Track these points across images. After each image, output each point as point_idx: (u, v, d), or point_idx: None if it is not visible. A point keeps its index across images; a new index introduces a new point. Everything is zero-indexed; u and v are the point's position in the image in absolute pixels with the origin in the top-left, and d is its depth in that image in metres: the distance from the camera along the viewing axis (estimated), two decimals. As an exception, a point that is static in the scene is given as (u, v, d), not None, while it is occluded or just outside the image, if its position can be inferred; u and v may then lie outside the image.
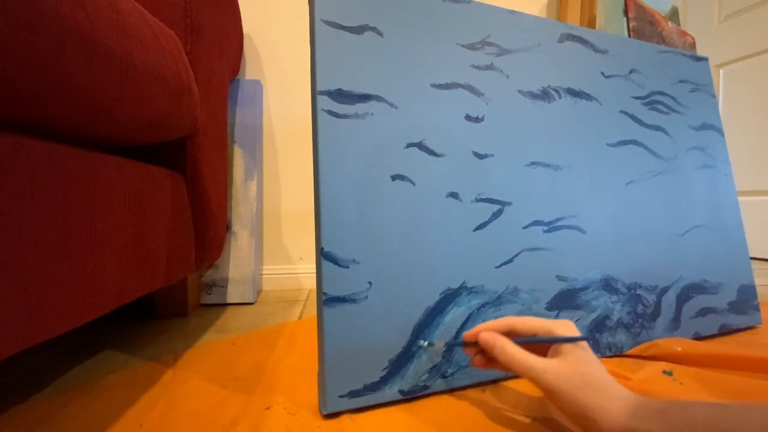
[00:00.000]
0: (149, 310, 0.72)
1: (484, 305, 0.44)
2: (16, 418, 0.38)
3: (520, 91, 0.49)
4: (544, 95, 0.51)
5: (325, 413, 0.36)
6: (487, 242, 0.45)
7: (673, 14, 1.18)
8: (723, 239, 0.61)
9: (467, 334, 0.37)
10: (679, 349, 0.48)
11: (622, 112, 0.56)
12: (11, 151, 0.27)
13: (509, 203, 0.47)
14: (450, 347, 0.41)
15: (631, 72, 0.58)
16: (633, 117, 0.57)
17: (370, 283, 0.39)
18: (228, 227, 0.83)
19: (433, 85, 0.45)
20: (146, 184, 0.46)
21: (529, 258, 0.47)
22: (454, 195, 0.44)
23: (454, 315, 0.42)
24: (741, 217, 0.64)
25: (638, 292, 0.53)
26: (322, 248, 0.38)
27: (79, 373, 0.48)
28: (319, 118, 0.39)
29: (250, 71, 0.95)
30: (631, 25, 0.98)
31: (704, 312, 0.57)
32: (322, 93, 0.40)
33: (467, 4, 0.48)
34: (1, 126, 0.28)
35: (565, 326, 0.33)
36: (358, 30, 0.42)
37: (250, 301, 0.81)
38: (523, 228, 0.47)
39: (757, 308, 0.61)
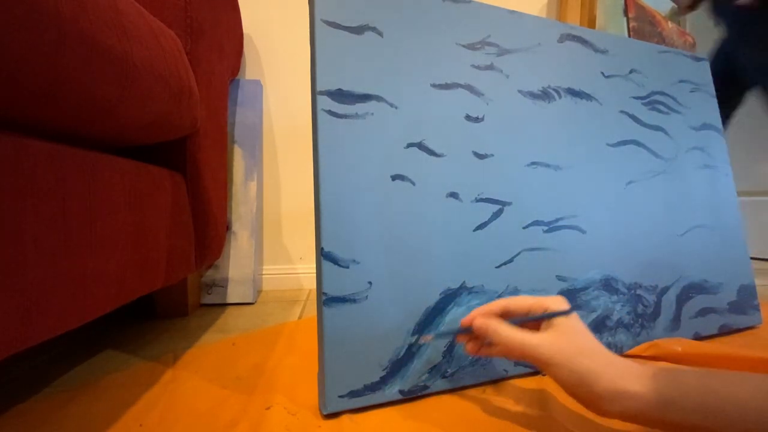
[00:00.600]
0: (149, 310, 0.72)
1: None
2: (16, 418, 0.38)
3: (520, 91, 0.49)
4: (544, 95, 0.51)
5: (325, 413, 0.36)
6: (487, 242, 0.45)
7: (673, 14, 1.18)
8: (723, 239, 0.61)
9: (463, 320, 0.37)
10: (679, 349, 0.48)
11: (622, 112, 0.56)
12: (11, 151, 0.27)
13: (509, 203, 0.47)
14: (441, 338, 0.40)
15: (631, 72, 0.58)
16: (633, 117, 0.57)
17: (370, 283, 0.39)
18: (228, 227, 0.83)
19: (433, 85, 0.45)
20: (146, 184, 0.46)
21: (529, 258, 0.47)
22: (454, 195, 0.44)
23: (454, 315, 0.42)
24: (741, 217, 0.64)
25: (638, 292, 0.53)
26: (322, 248, 0.38)
27: (79, 373, 0.48)
28: (319, 118, 0.39)
29: (250, 71, 0.95)
30: (631, 25, 0.99)
31: (704, 312, 0.57)
32: (322, 93, 0.40)
33: (467, 4, 0.48)
34: (1, 126, 0.28)
35: (557, 301, 0.34)
36: (358, 30, 0.42)
37: (250, 301, 0.81)
38: (523, 228, 0.47)
39: (757, 308, 0.61)
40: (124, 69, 0.36)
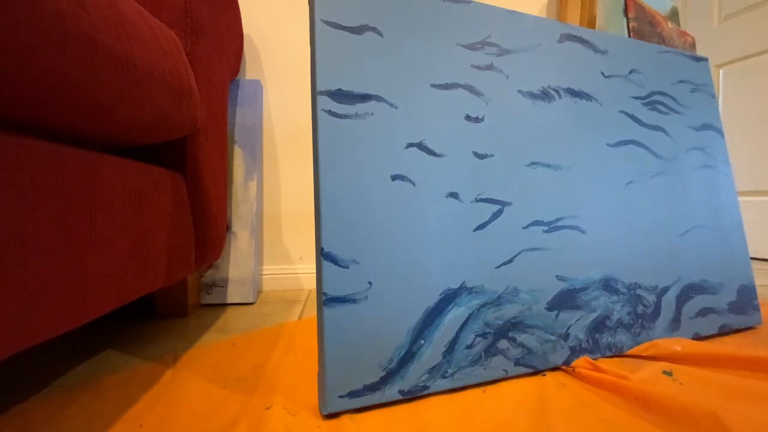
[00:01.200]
0: (149, 310, 0.72)
1: (484, 305, 0.44)
2: (16, 418, 0.38)
3: (520, 91, 0.49)
4: (544, 95, 0.51)
5: (325, 413, 0.36)
6: (487, 242, 0.45)
7: (673, 14, 1.18)
8: (723, 239, 0.61)
9: None
10: (679, 349, 0.48)
11: (622, 112, 0.56)
12: (11, 151, 0.27)
13: (509, 203, 0.47)
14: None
15: (631, 72, 0.58)
16: (633, 117, 0.57)
17: (370, 283, 0.39)
18: (228, 227, 0.83)
19: (433, 85, 0.45)
20: (146, 184, 0.46)
21: (529, 258, 0.47)
22: (454, 195, 0.44)
23: (454, 315, 0.42)
24: (741, 217, 0.64)
25: (638, 292, 0.53)
26: (322, 248, 0.38)
27: (79, 373, 0.48)
28: (319, 118, 0.39)
29: (250, 71, 0.95)
30: (631, 25, 0.99)
31: (704, 312, 0.57)
32: (322, 93, 0.40)
33: (467, 4, 0.48)
34: (1, 126, 0.28)
35: None
36: (358, 30, 0.42)
37: (250, 302, 0.81)
38: (523, 228, 0.47)
39: (757, 308, 0.61)
40: (124, 69, 0.36)
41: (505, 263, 0.45)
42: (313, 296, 0.88)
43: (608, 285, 0.51)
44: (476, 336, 0.43)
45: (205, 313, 0.74)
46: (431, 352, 0.41)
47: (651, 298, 0.53)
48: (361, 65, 0.41)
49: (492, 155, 0.47)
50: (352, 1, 0.42)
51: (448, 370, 0.41)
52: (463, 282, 0.43)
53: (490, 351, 0.43)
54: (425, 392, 0.40)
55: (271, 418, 0.36)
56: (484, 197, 0.45)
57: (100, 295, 0.36)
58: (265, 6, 0.95)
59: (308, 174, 0.96)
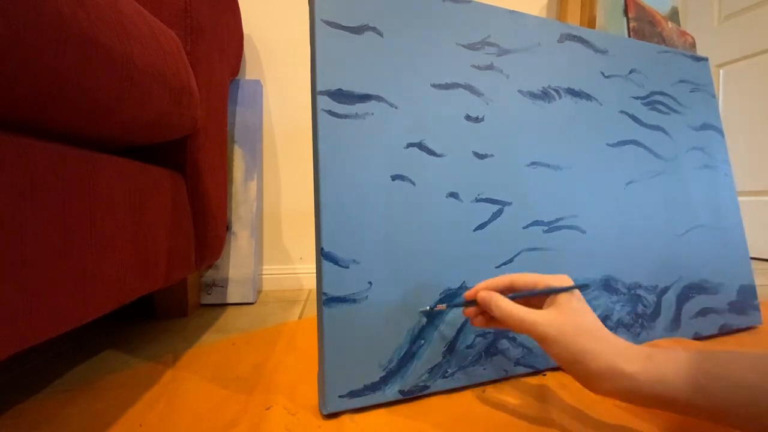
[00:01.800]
0: (149, 310, 0.72)
1: (484, 305, 0.44)
2: (16, 418, 0.38)
3: (520, 91, 0.49)
4: (544, 95, 0.51)
5: (325, 413, 0.36)
6: (487, 242, 0.45)
7: (673, 14, 1.18)
8: (723, 239, 0.61)
9: (467, 293, 0.37)
10: (680, 349, 0.48)
11: (622, 112, 0.56)
12: (11, 151, 0.27)
13: (509, 203, 0.47)
14: (452, 308, 0.40)
15: (631, 72, 0.58)
16: (633, 117, 0.57)
17: (370, 283, 0.39)
18: (228, 227, 0.83)
19: (433, 85, 0.45)
20: (146, 184, 0.46)
21: (529, 258, 0.47)
22: (454, 195, 0.44)
23: (454, 315, 0.42)
24: (741, 217, 0.64)
25: (638, 292, 0.53)
26: (322, 248, 0.38)
27: (79, 373, 0.48)
28: (319, 118, 0.39)
29: (250, 71, 0.95)
30: (631, 25, 0.98)
31: (704, 312, 0.57)
32: (322, 93, 0.40)
33: (467, 4, 0.48)
34: (1, 126, 0.28)
35: (561, 279, 0.35)
36: (358, 30, 0.42)
37: (250, 301, 0.81)
38: (523, 228, 0.47)
39: (757, 308, 0.61)
40: (124, 69, 0.36)
41: (505, 263, 0.45)
42: (313, 296, 0.88)
43: (608, 285, 0.51)
44: (476, 336, 0.43)
45: (205, 313, 0.74)
46: (431, 351, 0.41)
47: (651, 298, 0.53)
48: (361, 65, 0.41)
49: (492, 155, 0.47)
50: (352, 1, 0.42)
51: (448, 370, 0.41)
52: (464, 282, 0.43)
53: (490, 351, 0.43)
54: (425, 392, 0.40)
55: (271, 418, 0.36)
56: (484, 197, 0.45)
57: (100, 295, 0.36)
58: (265, 6, 0.94)
59: (308, 174, 0.96)
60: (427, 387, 0.40)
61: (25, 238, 0.28)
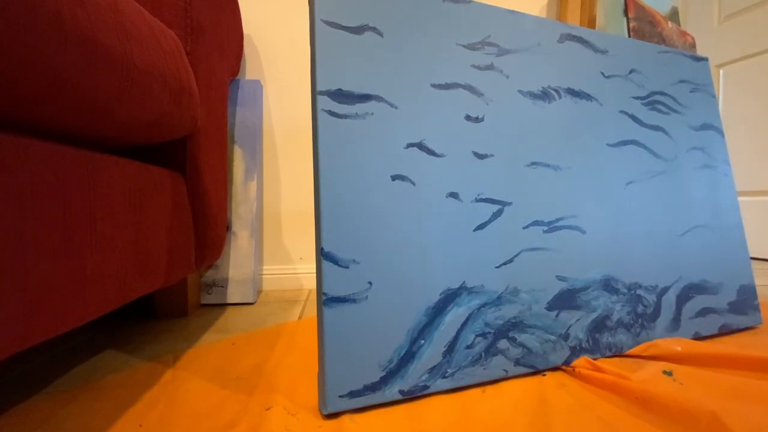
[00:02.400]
0: (149, 310, 0.72)
1: (484, 305, 0.44)
2: (16, 418, 0.38)
3: (520, 91, 0.49)
4: (544, 95, 0.51)
5: (325, 413, 0.36)
6: (487, 242, 0.45)
7: (673, 14, 1.18)
8: (723, 239, 0.61)
9: None
10: (679, 349, 0.48)
11: (622, 112, 0.56)
12: (11, 151, 0.27)
13: (509, 203, 0.47)
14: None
15: (631, 72, 0.58)
16: (633, 117, 0.57)
17: (370, 283, 0.39)
18: (228, 227, 0.83)
19: (433, 85, 0.45)
20: (146, 184, 0.46)
21: (529, 258, 0.47)
22: (454, 195, 0.44)
23: (455, 315, 0.42)
24: (741, 217, 0.64)
25: (638, 292, 0.53)
26: (322, 248, 0.38)
27: (79, 373, 0.48)
28: (319, 118, 0.39)
29: (250, 71, 0.95)
30: (631, 25, 0.98)
31: (704, 312, 0.57)
32: (322, 93, 0.40)
33: (467, 4, 0.48)
34: (1, 126, 0.28)
35: None
36: (358, 30, 0.42)
37: (250, 301, 0.81)
38: (523, 228, 0.47)
39: (757, 308, 0.61)
40: (124, 69, 0.36)
41: (505, 263, 0.45)
42: (313, 296, 0.88)
43: (608, 285, 0.51)
44: (476, 336, 0.43)
45: (205, 313, 0.74)
46: (431, 352, 0.41)
47: (651, 298, 0.53)
48: (361, 65, 0.41)
49: (492, 155, 0.47)
50: (352, 1, 0.42)
51: (448, 370, 0.41)
52: (464, 282, 0.43)
53: (490, 351, 0.43)
54: (425, 392, 0.40)
55: (271, 418, 0.36)
56: (484, 197, 0.45)
57: (100, 295, 0.36)
58: (265, 6, 0.94)
59: (308, 174, 0.96)
60: (427, 387, 0.40)
61: (25, 238, 0.28)
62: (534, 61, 0.51)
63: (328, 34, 0.41)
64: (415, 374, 0.40)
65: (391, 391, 0.39)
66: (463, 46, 0.47)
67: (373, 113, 0.41)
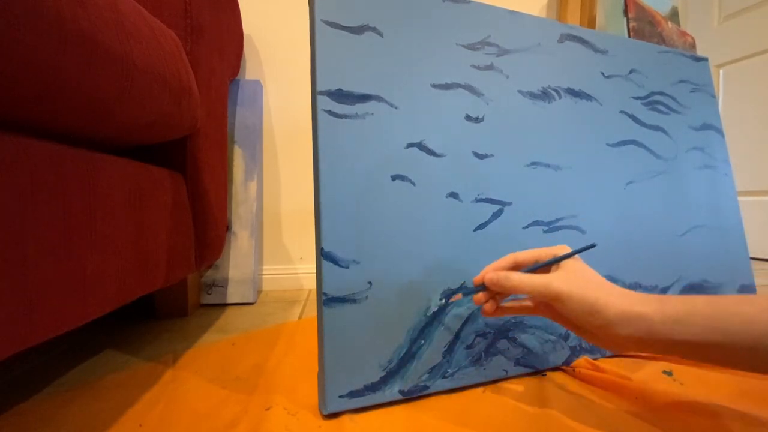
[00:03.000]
0: (149, 310, 0.72)
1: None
2: (16, 418, 0.38)
3: (520, 91, 0.49)
4: (544, 95, 0.51)
5: (325, 413, 0.36)
6: (487, 242, 0.45)
7: (673, 14, 1.18)
8: (723, 239, 0.61)
9: (475, 279, 0.38)
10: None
11: (622, 112, 0.56)
12: (11, 151, 0.27)
13: (509, 203, 0.47)
14: (467, 294, 0.40)
15: (631, 72, 0.58)
16: (633, 117, 0.57)
17: (370, 283, 0.39)
18: (228, 227, 0.83)
19: (433, 85, 0.45)
20: (146, 184, 0.46)
21: (529, 258, 0.47)
22: (454, 195, 0.44)
23: (454, 315, 0.42)
24: (741, 217, 0.64)
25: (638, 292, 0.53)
26: (322, 248, 0.38)
27: (79, 373, 0.48)
28: (319, 118, 0.39)
29: (250, 71, 0.95)
30: (631, 25, 0.98)
31: (704, 312, 0.57)
32: (322, 93, 0.40)
33: (467, 4, 0.48)
34: (1, 126, 0.28)
35: (561, 248, 0.36)
36: (358, 30, 0.42)
37: (250, 301, 0.81)
38: (523, 228, 0.47)
39: (757, 308, 0.61)
40: (124, 69, 0.36)
41: (505, 263, 0.45)
42: (313, 296, 0.88)
43: (608, 285, 0.51)
44: (476, 336, 0.43)
45: (205, 313, 0.74)
46: (431, 352, 0.41)
47: (651, 298, 0.53)
48: (361, 65, 0.41)
49: (492, 155, 0.47)
50: (352, 1, 0.42)
51: (448, 370, 0.41)
52: (464, 282, 0.43)
53: (490, 351, 0.43)
54: (425, 392, 0.40)
55: (271, 419, 0.36)
56: (484, 197, 0.45)
57: (100, 295, 0.36)
58: (265, 6, 0.94)
59: (308, 174, 0.96)
60: (427, 387, 0.40)
61: (25, 238, 0.28)
62: (534, 61, 0.51)
63: (328, 34, 0.41)
64: (415, 374, 0.40)
65: (391, 391, 0.39)
66: (463, 46, 0.47)
67: (373, 113, 0.41)
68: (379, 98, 0.42)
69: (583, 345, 0.48)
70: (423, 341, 0.41)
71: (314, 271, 0.86)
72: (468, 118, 0.46)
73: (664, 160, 0.58)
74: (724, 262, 0.60)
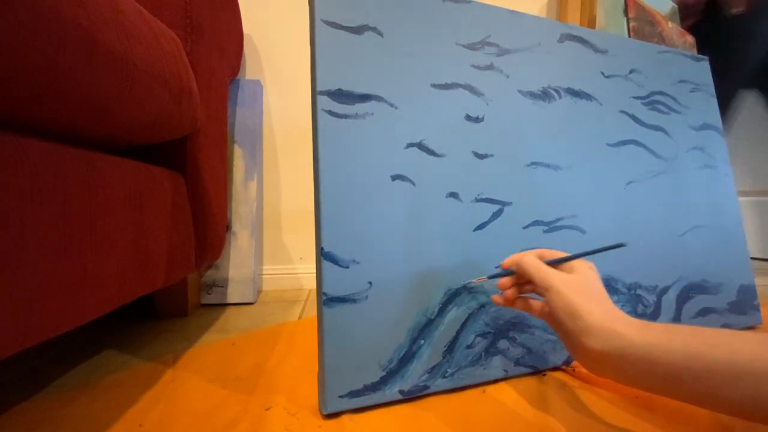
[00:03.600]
0: (149, 310, 0.72)
1: (484, 305, 0.44)
2: (16, 418, 0.38)
3: (520, 91, 0.49)
4: (544, 95, 0.51)
5: (325, 413, 0.36)
6: (487, 242, 0.45)
7: (673, 14, 1.18)
8: (723, 239, 0.61)
9: (503, 262, 0.40)
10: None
11: (622, 112, 0.56)
12: (11, 151, 0.27)
13: (509, 203, 0.47)
14: (492, 278, 0.42)
15: (631, 72, 0.58)
16: (633, 117, 0.57)
17: (370, 283, 0.39)
18: (228, 227, 0.83)
19: (433, 85, 0.45)
20: (146, 184, 0.46)
21: (529, 258, 0.47)
22: (454, 195, 0.44)
23: (455, 315, 0.42)
24: (741, 217, 0.64)
25: (638, 292, 0.53)
26: (322, 248, 0.38)
27: (79, 373, 0.48)
28: (319, 118, 0.39)
29: (250, 71, 0.95)
30: (631, 25, 0.98)
31: (704, 312, 0.57)
32: (322, 93, 0.40)
33: (467, 4, 0.48)
34: (1, 126, 0.28)
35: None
36: (358, 30, 0.42)
37: (250, 301, 0.81)
38: (523, 228, 0.47)
39: (757, 308, 0.61)
40: (124, 69, 0.36)
41: (505, 263, 0.45)
42: (313, 296, 0.88)
43: (608, 285, 0.51)
44: (476, 336, 0.43)
45: (205, 313, 0.74)
46: (431, 352, 0.41)
47: (651, 298, 0.53)
48: (361, 65, 0.41)
49: (492, 155, 0.47)
50: (352, 1, 0.42)
51: (448, 370, 0.41)
52: (464, 282, 0.43)
53: (490, 351, 0.43)
54: (425, 392, 0.40)
55: (271, 419, 0.36)
56: (484, 197, 0.45)
57: (99, 295, 0.36)
58: (265, 6, 0.94)
59: (308, 174, 0.95)
60: (427, 387, 0.40)
61: (25, 238, 0.28)
62: (534, 61, 0.51)
63: (328, 34, 0.41)
64: (415, 374, 0.40)
65: (391, 391, 0.39)
66: (463, 46, 0.47)
67: (373, 113, 0.41)
68: (379, 98, 0.42)
69: (583, 345, 0.48)
70: (423, 341, 0.41)
71: (314, 271, 0.86)
72: (468, 118, 0.46)
73: (664, 160, 0.58)
74: (724, 262, 0.60)
